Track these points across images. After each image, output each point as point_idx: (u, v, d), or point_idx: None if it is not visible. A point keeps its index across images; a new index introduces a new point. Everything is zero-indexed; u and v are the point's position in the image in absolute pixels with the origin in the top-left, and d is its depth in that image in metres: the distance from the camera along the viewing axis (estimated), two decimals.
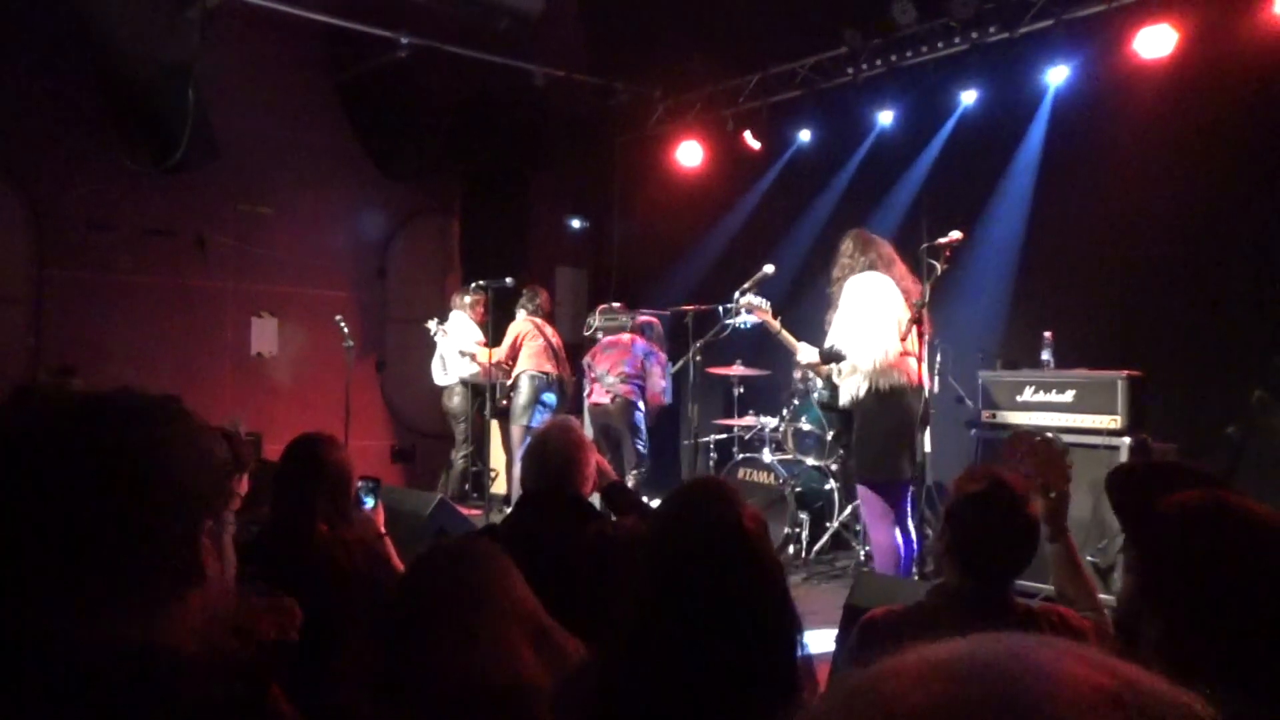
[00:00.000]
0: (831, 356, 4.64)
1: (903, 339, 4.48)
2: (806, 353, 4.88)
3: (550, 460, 2.67)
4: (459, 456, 7.46)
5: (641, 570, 1.47)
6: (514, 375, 7.07)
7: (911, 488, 4.59)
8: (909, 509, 4.57)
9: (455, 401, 7.43)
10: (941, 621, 1.88)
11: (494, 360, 6.97)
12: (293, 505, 2.61)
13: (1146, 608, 1.24)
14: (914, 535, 4.58)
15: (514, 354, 7.05)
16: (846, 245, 4.79)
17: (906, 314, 4.51)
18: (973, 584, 1.96)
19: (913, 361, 4.54)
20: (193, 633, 0.92)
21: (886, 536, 4.46)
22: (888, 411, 4.45)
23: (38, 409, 0.92)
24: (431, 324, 7.25)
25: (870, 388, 4.46)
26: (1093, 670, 0.43)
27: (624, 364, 6.65)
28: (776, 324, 5.00)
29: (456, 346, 7.25)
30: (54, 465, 0.87)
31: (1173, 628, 1.18)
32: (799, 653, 1.43)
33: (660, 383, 6.77)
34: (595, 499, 2.93)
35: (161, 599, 0.90)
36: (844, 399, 4.64)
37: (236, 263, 7.64)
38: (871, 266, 4.64)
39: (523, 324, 7.12)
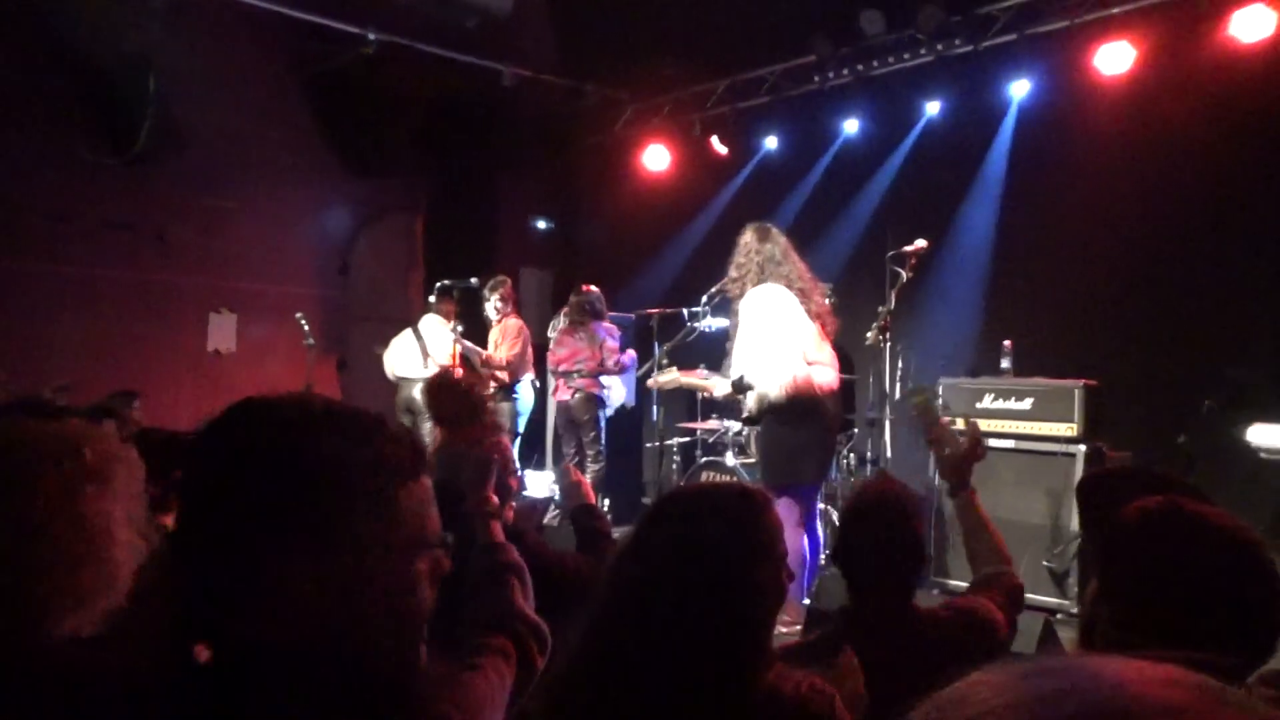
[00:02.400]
0: (742, 388, 4.54)
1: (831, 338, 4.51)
2: (721, 387, 4.83)
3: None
4: None
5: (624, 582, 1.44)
6: (514, 379, 6.97)
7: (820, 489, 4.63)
8: (815, 512, 4.62)
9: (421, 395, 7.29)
10: (845, 645, 1.86)
11: (507, 362, 6.84)
12: None
13: (1105, 608, 1.26)
14: (819, 538, 4.64)
15: (523, 355, 6.97)
16: (746, 238, 4.64)
17: (808, 322, 4.42)
18: (863, 602, 1.94)
19: (822, 370, 4.42)
20: None
21: (792, 541, 4.45)
22: (792, 425, 4.40)
23: (259, 423, 0.98)
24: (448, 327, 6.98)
25: (774, 404, 4.40)
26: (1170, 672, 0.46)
27: (580, 360, 6.67)
28: (683, 379, 5.12)
29: (472, 349, 7.01)
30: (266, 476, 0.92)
31: (1128, 627, 1.21)
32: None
33: (613, 353, 6.72)
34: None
35: None
36: (751, 407, 4.58)
37: (196, 257, 7.50)
38: (764, 265, 4.49)
39: (521, 325, 6.98)
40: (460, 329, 6.81)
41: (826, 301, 4.64)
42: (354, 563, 0.91)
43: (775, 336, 4.36)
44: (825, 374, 4.43)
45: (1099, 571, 1.31)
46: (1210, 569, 1.16)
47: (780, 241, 4.58)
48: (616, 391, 7.04)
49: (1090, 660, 0.47)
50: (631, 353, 6.87)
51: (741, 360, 4.49)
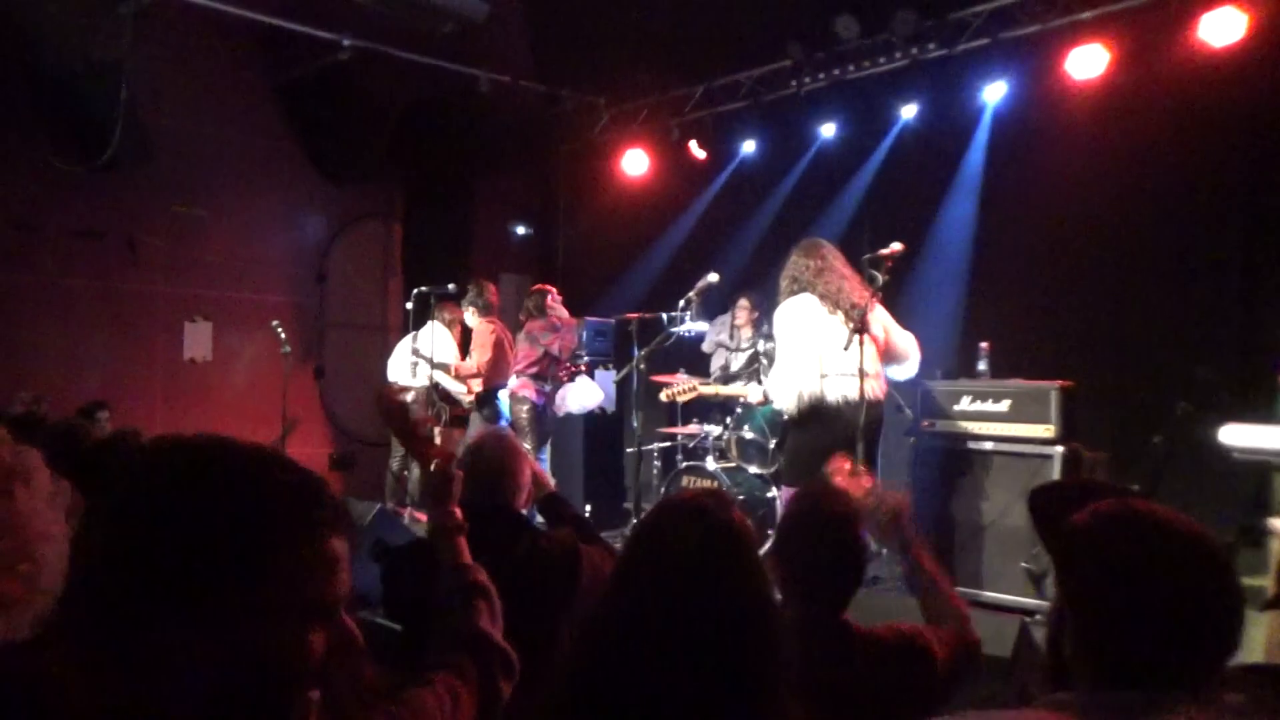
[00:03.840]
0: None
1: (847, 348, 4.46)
2: (755, 392, 5.16)
3: (483, 472, 2.60)
4: (395, 460, 7.26)
5: (618, 591, 1.41)
6: (489, 386, 6.87)
7: None
8: None
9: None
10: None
11: (479, 369, 6.75)
12: None
13: (1069, 617, 1.26)
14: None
15: (496, 361, 6.86)
16: (793, 255, 4.77)
17: (838, 329, 4.43)
18: (800, 610, 1.89)
19: (842, 380, 4.45)
20: None
21: None
22: (803, 430, 4.58)
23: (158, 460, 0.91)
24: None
25: (794, 413, 4.60)
26: None
27: (519, 361, 6.59)
28: (712, 389, 5.40)
29: (441, 361, 6.96)
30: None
31: (1092, 635, 1.20)
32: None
33: (552, 346, 6.59)
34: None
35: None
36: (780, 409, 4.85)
37: (169, 266, 7.43)
38: (798, 277, 4.61)
39: (495, 329, 6.83)
40: (416, 346, 6.80)
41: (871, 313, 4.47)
42: (223, 631, 0.83)
43: (787, 351, 4.55)
44: (842, 386, 4.45)
45: (1058, 581, 1.31)
46: (1167, 568, 1.15)
47: (820, 254, 4.63)
48: (576, 393, 6.91)
49: None
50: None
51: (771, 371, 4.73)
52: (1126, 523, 1.21)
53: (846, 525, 1.93)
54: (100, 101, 6.04)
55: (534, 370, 6.58)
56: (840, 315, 4.47)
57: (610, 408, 7.35)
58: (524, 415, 6.54)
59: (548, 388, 6.64)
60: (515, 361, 6.68)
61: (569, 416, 7.03)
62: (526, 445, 6.44)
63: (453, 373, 6.82)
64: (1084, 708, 1.13)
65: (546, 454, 6.70)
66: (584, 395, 6.92)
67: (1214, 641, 1.16)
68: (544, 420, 6.65)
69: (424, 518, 6.51)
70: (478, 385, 6.78)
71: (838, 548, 1.90)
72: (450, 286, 6.58)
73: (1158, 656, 1.14)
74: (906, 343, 4.66)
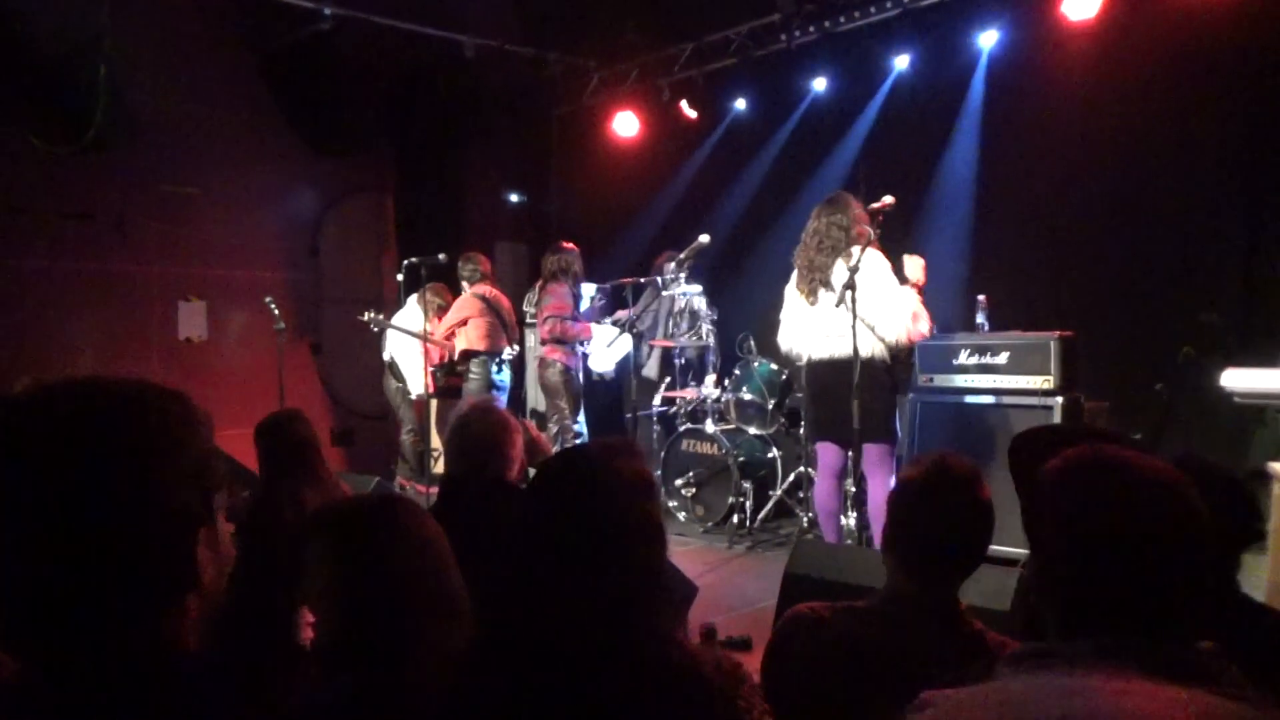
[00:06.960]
0: None
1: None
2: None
3: (471, 443, 2.61)
4: (404, 434, 7.26)
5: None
6: (463, 354, 6.71)
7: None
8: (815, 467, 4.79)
9: (390, 382, 7.22)
10: (876, 628, 1.76)
11: (447, 331, 6.62)
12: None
13: (1035, 566, 1.23)
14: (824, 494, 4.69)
15: (460, 326, 6.68)
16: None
17: (800, 301, 4.65)
18: (912, 587, 1.77)
19: (811, 343, 4.63)
20: (193, 631, 1.00)
21: (865, 489, 4.55)
22: (805, 390, 4.83)
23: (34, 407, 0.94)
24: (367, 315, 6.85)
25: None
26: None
27: (547, 321, 6.26)
28: None
29: (403, 333, 6.87)
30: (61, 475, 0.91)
31: (1059, 583, 1.17)
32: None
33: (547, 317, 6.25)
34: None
35: (161, 606, 0.97)
36: None
37: (160, 246, 7.37)
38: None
39: (472, 300, 6.64)
40: (377, 315, 6.70)
41: (840, 265, 4.45)
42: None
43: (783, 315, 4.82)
44: (811, 349, 4.65)
45: (1027, 532, 1.27)
46: (1127, 513, 1.12)
47: (817, 219, 4.69)
48: (599, 354, 6.75)
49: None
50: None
51: None
52: (1090, 468, 1.17)
53: (974, 494, 1.78)
54: (81, 80, 5.95)
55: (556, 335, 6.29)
56: (805, 287, 4.62)
57: (611, 374, 7.28)
58: (558, 381, 6.30)
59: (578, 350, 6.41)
60: (543, 325, 6.37)
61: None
62: (563, 405, 6.23)
63: (439, 334, 6.69)
64: (1054, 657, 1.10)
65: (582, 418, 6.49)
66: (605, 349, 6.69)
67: (1177, 589, 1.11)
68: (575, 383, 6.43)
69: (422, 488, 6.55)
70: (449, 346, 6.66)
71: (961, 519, 1.77)
72: (440, 256, 6.48)
73: (1117, 604, 1.11)
74: (884, 307, 4.44)
